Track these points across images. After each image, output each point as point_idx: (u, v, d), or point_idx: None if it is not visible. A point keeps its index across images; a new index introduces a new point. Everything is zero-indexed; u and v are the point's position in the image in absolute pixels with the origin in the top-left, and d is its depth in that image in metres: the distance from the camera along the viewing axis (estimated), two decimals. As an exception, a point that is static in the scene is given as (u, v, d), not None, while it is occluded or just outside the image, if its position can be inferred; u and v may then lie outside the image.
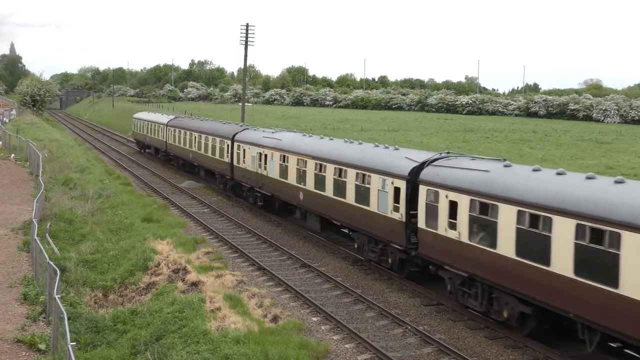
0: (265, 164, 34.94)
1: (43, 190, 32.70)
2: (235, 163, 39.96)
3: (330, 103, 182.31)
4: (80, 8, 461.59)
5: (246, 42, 68.86)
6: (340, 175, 27.13)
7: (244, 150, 38.31)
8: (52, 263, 19.18)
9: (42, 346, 16.75)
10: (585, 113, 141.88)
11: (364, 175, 25.32)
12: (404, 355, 17.78)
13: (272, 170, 34.02)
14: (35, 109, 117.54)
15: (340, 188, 27.11)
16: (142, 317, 20.34)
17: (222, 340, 17.29)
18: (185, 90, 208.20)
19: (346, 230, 30.22)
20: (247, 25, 68.72)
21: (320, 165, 28.75)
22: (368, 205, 24.94)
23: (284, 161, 32.63)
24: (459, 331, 19.66)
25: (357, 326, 19.67)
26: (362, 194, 25.41)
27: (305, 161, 30.10)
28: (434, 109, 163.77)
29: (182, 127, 53.51)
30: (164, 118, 61.74)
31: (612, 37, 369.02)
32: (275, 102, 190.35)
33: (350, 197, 26.31)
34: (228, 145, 41.05)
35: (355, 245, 27.05)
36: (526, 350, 18.16)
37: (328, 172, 28.06)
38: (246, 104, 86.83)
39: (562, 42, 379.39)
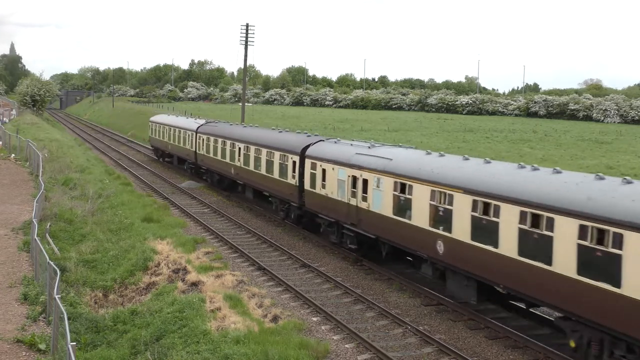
0: (365, 192, 25.31)
1: (43, 190, 32.70)
2: (307, 187, 30.23)
3: (330, 103, 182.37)
4: (80, 8, 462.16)
5: (246, 42, 68.86)
6: (535, 225, 17.21)
7: (323, 170, 28.60)
8: (52, 263, 19.18)
9: (42, 346, 16.75)
10: (585, 113, 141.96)
11: (602, 231, 15.29)
12: (404, 355, 17.78)
13: (378, 203, 24.41)
14: (35, 109, 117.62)
15: (534, 244, 17.20)
16: (142, 317, 20.35)
17: (222, 340, 17.30)
18: (185, 90, 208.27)
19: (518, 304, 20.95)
20: (247, 25, 68.71)
21: (486, 204, 18.96)
22: (617, 284, 14.84)
23: (402, 192, 22.92)
24: (459, 331, 19.66)
25: (357, 326, 19.67)
26: (598, 264, 15.38)
27: (451, 195, 20.40)
28: (434, 109, 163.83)
29: (219, 135, 43.76)
30: (191, 123, 52.05)
31: (612, 37, 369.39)
32: (275, 102, 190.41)
33: (565, 265, 16.12)
34: (295, 162, 31.40)
35: (572, 343, 16.90)
36: (526, 351, 18.15)
37: (505, 216, 18.15)
38: (246, 104, 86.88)
39: (562, 42, 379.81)
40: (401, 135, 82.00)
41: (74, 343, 13.81)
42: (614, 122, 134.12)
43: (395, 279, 24.46)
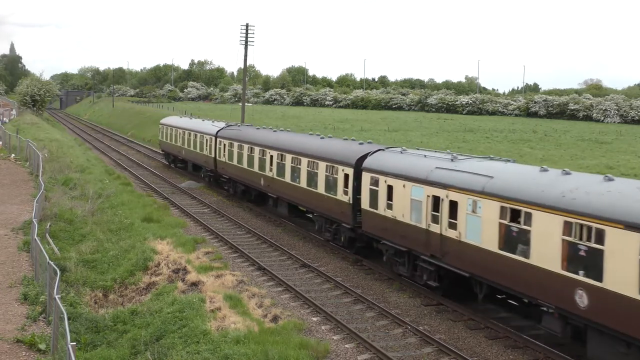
0: (453, 218, 20.35)
1: (43, 190, 32.70)
2: (365, 206, 25.44)
3: (330, 103, 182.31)
4: (80, 8, 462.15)
5: (246, 42, 68.82)
6: None
7: (389, 187, 23.76)
8: (52, 263, 19.19)
9: (42, 346, 16.76)
10: (585, 113, 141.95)
11: None
12: (404, 355, 17.78)
13: (475, 233, 19.39)
14: (35, 109, 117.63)
15: None
16: (142, 317, 20.36)
17: (222, 340, 17.31)
18: (185, 90, 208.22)
19: None
20: (247, 25, 68.68)
21: None
22: None
23: (514, 220, 17.90)
24: (459, 331, 19.66)
25: (357, 326, 19.68)
26: None
27: (601, 231, 15.37)
28: (434, 109, 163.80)
29: (244, 140, 39.00)
30: (209, 126, 47.30)
31: (612, 37, 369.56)
32: (275, 102, 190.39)
33: None
34: (347, 176, 26.83)
35: None
36: (526, 351, 18.15)
37: None
38: (246, 104, 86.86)
39: (562, 42, 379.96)
40: (401, 135, 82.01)
41: (74, 343, 13.81)
42: (614, 122, 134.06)
43: (396, 280, 24.46)
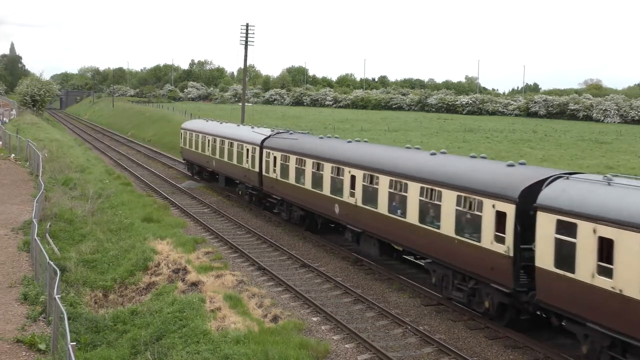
0: None
1: (43, 190, 32.72)
2: (544, 264, 16.91)
3: (330, 103, 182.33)
4: (80, 8, 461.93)
5: (246, 42, 68.83)
6: None
7: (601, 240, 15.30)
8: (52, 263, 19.20)
9: (42, 346, 16.77)
10: (585, 113, 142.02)
11: None
12: (404, 355, 17.79)
13: None
14: (35, 109, 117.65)
15: None
16: (142, 317, 20.37)
17: (222, 340, 17.31)
18: (185, 90, 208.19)
19: None
20: (247, 25, 68.68)
21: None
22: None
23: None
24: (459, 331, 19.66)
25: (357, 326, 19.68)
26: None
27: None
28: (434, 109, 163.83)
29: (305, 153, 30.90)
30: (249, 133, 39.05)
31: (612, 37, 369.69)
32: (275, 102, 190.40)
33: None
34: (503, 215, 18.43)
35: None
36: (526, 351, 18.15)
37: None
38: (246, 104, 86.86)
39: (562, 42, 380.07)
40: (401, 135, 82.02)
41: (74, 343, 13.82)
42: (614, 122, 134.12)
43: (396, 280, 24.44)
